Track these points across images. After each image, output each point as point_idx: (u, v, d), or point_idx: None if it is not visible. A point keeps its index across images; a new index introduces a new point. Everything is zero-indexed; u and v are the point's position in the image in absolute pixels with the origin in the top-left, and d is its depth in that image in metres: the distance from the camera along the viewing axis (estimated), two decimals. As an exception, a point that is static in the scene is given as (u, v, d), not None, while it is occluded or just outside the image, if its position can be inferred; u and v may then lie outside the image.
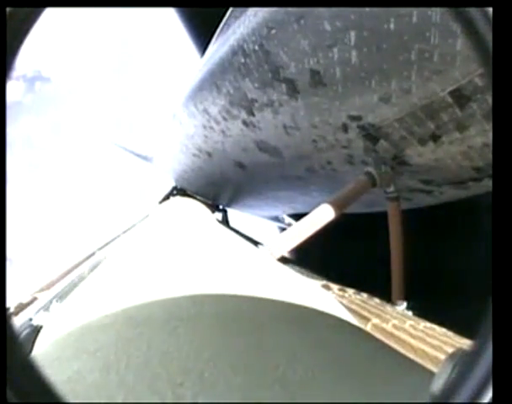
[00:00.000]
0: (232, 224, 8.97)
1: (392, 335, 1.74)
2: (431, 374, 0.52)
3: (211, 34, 5.34)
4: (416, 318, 2.70)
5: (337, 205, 4.06)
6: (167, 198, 9.96)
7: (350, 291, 2.83)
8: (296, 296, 1.75)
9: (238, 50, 4.26)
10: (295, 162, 5.27)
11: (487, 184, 3.76)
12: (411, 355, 1.50)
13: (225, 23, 4.85)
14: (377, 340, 1.55)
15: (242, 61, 4.26)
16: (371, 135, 3.87)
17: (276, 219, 11.13)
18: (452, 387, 0.46)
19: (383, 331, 1.77)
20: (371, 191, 4.18)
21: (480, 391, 0.45)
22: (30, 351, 1.24)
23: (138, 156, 14.76)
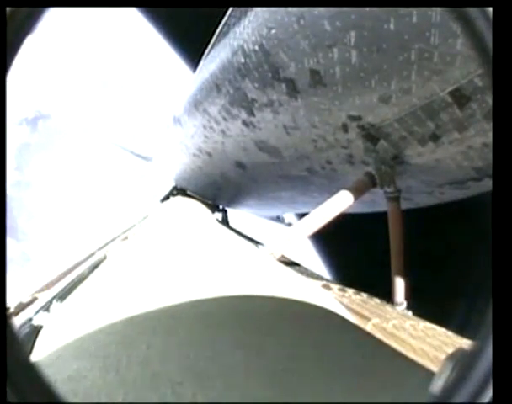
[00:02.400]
0: (232, 224, 8.97)
1: (392, 335, 1.74)
2: (431, 374, 0.52)
3: (204, 43, 5.37)
4: (416, 318, 2.70)
5: (337, 205, 4.06)
6: (167, 198, 9.97)
7: (350, 291, 2.83)
8: (296, 296, 1.75)
9: (238, 50, 4.26)
10: (295, 162, 5.27)
11: (487, 184, 3.76)
12: (411, 355, 1.50)
13: (225, 23, 4.85)
14: (377, 340, 1.55)
15: (242, 61, 4.26)
16: (371, 135, 3.87)
17: (276, 219, 11.13)
18: (452, 387, 0.46)
19: (383, 331, 1.77)
20: (371, 191, 4.18)
21: (480, 391, 0.45)
22: (30, 351, 1.24)
23: (138, 156, 14.77)
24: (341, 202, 4.06)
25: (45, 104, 20.18)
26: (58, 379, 0.94)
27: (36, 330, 1.43)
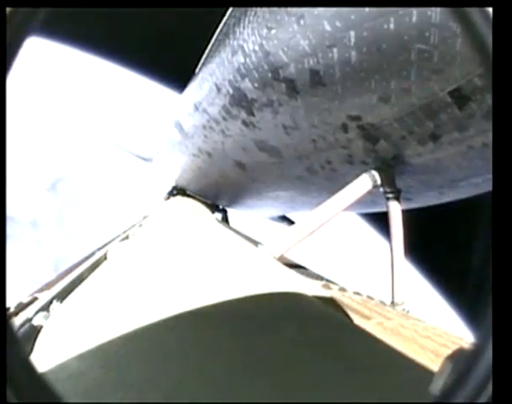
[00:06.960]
0: (232, 224, 8.97)
1: (392, 335, 1.74)
2: (431, 374, 0.52)
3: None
4: (416, 318, 2.70)
5: (337, 205, 4.06)
6: (167, 198, 9.96)
7: (350, 291, 2.83)
8: (295, 296, 1.75)
9: (238, 50, 4.27)
10: (294, 162, 5.27)
11: (487, 184, 3.76)
12: (411, 355, 1.50)
13: (225, 23, 4.85)
14: (378, 339, 1.55)
15: (242, 61, 4.26)
16: (371, 135, 3.87)
17: (276, 219, 11.13)
18: (452, 387, 0.46)
19: (383, 330, 1.77)
20: (371, 191, 4.17)
21: (480, 391, 0.45)
22: (30, 351, 1.24)
23: (138, 156, 14.77)
24: (341, 202, 4.06)
25: (56, 168, 21.25)
26: (58, 378, 0.94)
27: (36, 330, 1.43)
